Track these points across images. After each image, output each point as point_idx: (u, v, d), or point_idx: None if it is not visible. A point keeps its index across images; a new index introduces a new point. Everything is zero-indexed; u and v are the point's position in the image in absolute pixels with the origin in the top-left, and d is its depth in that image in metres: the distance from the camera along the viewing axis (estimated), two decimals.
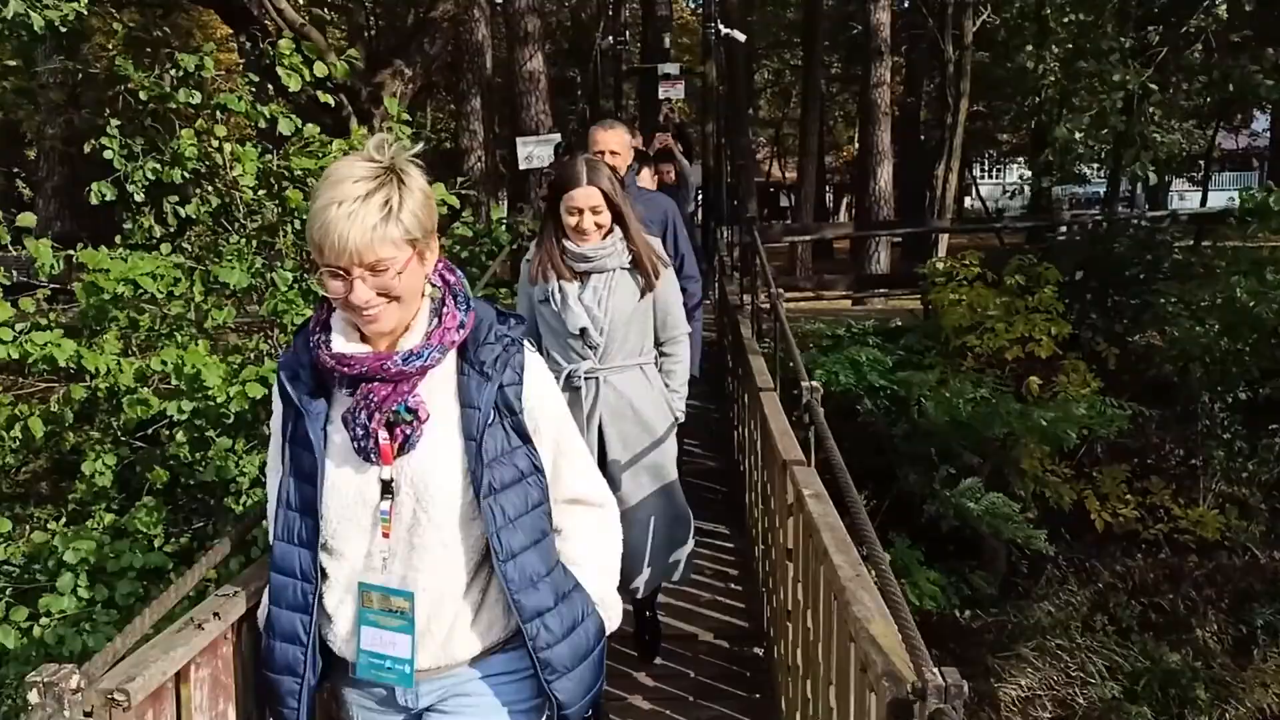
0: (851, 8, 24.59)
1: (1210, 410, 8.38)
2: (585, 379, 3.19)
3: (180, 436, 4.69)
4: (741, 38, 14.57)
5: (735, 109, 15.56)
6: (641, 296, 3.19)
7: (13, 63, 8.70)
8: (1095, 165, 15.76)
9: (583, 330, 3.13)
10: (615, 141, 4.01)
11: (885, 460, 7.76)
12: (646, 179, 5.70)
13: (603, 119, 4.93)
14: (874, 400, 7.72)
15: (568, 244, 3.12)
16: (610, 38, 12.52)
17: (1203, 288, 8.72)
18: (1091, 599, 7.60)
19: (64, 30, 4.89)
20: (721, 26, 12.41)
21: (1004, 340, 8.51)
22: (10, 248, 4.73)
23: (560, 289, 3.15)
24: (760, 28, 28.13)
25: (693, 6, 27.78)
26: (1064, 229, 12.15)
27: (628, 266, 3.15)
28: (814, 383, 2.62)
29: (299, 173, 4.82)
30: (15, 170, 15.98)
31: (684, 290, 3.64)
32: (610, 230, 3.11)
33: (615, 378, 3.24)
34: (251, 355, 5.00)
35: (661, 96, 12.82)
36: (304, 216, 4.71)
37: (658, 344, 3.37)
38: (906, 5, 21.02)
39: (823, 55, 20.43)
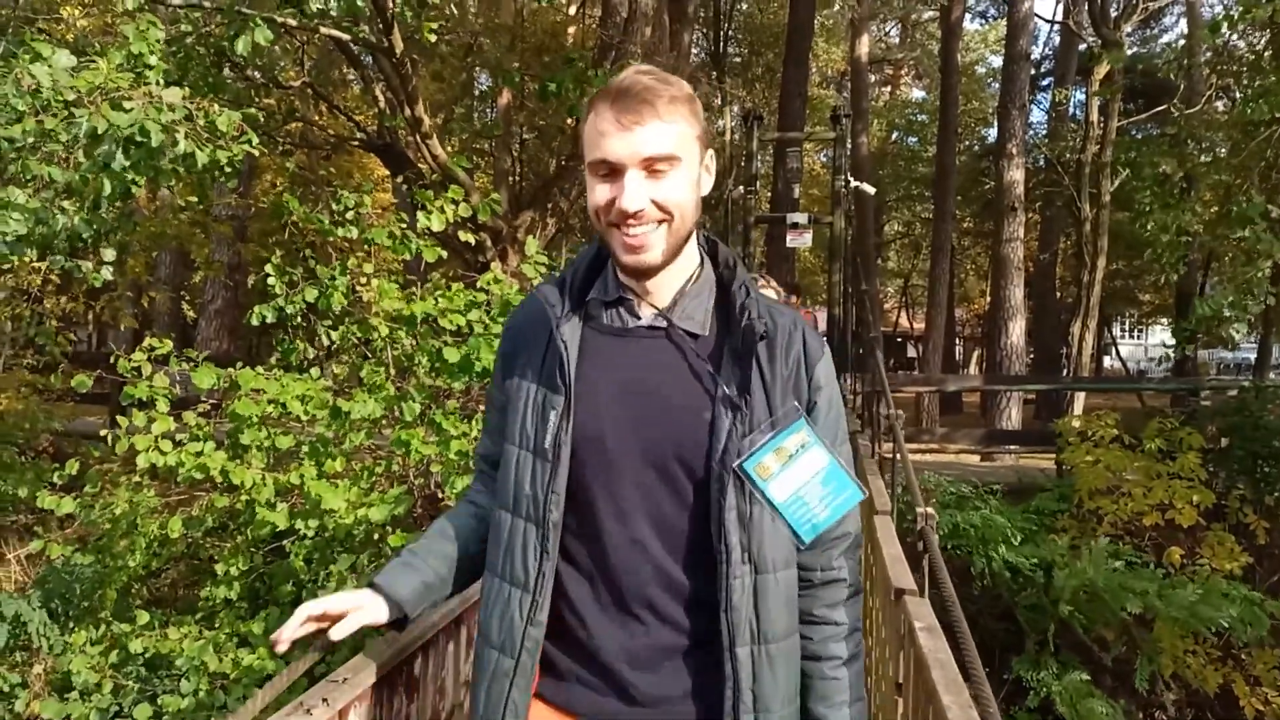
0: (984, 164, 24.74)
1: None
2: None
3: (300, 552, 4.89)
4: (870, 190, 14.78)
5: (863, 257, 15.68)
6: None
7: (193, 199, 9.61)
8: (1244, 331, 15.09)
9: None
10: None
11: (1007, 629, 7.37)
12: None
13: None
14: (995, 564, 7.38)
15: None
16: (740, 187, 12.86)
17: None
18: None
19: (233, 169, 5.36)
20: (850, 179, 12.63)
21: (1142, 505, 8.09)
22: (181, 364, 5.13)
23: None
24: (891, 181, 28.54)
25: (823, 161, 28.45)
26: (1208, 393, 11.60)
27: None
28: (928, 509, 2.55)
29: (430, 315, 5.12)
30: (182, 293, 17.35)
31: None
32: None
33: None
34: (382, 478, 5.21)
35: (790, 244, 13.02)
36: (430, 353, 5.00)
37: None
38: (1042, 164, 21.02)
39: (954, 209, 20.43)
